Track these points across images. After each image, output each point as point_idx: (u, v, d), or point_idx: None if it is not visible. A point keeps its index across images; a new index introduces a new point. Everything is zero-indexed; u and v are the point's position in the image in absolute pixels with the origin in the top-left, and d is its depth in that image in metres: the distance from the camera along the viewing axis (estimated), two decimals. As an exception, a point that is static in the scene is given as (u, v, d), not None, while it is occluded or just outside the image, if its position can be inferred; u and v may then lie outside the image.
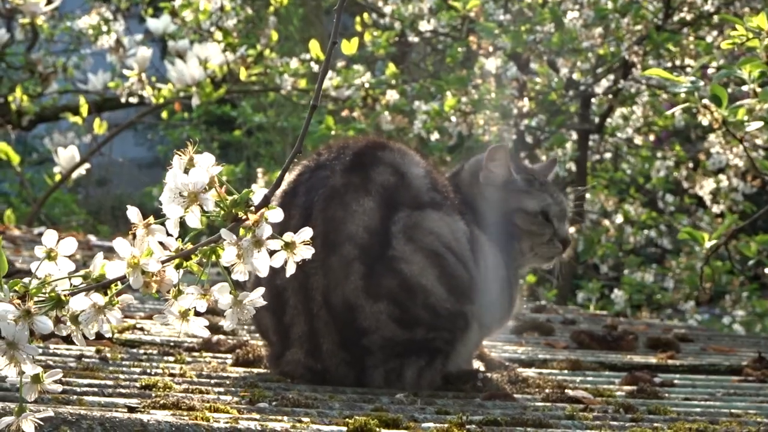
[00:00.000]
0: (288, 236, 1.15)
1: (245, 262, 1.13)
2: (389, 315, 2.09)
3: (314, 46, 5.69)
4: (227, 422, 1.54)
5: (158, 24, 6.26)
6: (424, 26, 6.11)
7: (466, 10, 5.86)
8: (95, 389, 1.82)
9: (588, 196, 6.50)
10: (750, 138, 4.86)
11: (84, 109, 6.10)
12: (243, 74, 5.72)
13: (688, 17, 5.45)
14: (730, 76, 2.33)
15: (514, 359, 2.68)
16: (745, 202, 6.13)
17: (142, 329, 2.70)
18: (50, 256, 1.13)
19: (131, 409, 1.63)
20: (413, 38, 6.31)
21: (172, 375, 2.09)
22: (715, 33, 5.46)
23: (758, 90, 2.28)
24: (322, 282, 2.10)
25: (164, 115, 7.09)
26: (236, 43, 5.67)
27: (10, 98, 6.37)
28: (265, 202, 1.14)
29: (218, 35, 5.63)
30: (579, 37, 5.48)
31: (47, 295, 1.11)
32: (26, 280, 1.11)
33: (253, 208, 1.13)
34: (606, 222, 6.77)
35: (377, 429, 1.61)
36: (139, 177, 11.58)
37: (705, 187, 6.15)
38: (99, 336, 1.14)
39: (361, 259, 2.09)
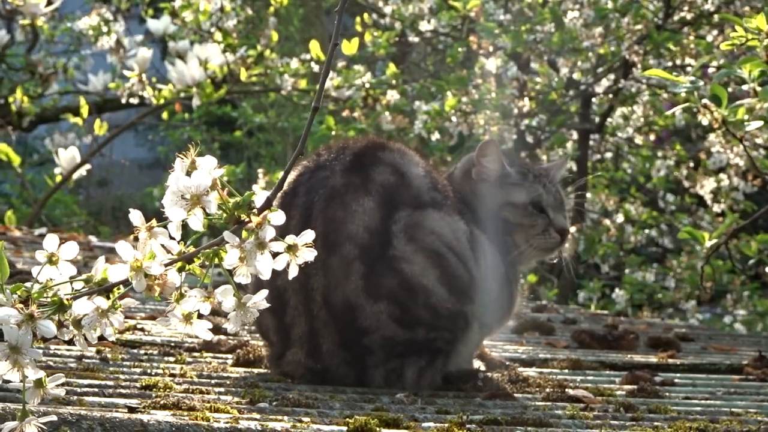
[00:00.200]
0: (290, 239, 1.15)
1: (248, 264, 1.13)
2: (390, 315, 2.09)
3: (314, 46, 5.69)
4: (227, 422, 1.54)
5: (158, 25, 6.25)
6: (425, 26, 6.11)
7: (467, 10, 5.86)
8: (95, 389, 1.82)
9: (589, 195, 6.50)
10: (750, 137, 4.86)
11: (84, 110, 6.10)
12: (243, 75, 5.72)
13: (689, 16, 5.45)
14: (730, 75, 2.33)
15: (515, 359, 2.68)
16: (745, 202, 6.13)
17: (142, 330, 2.70)
18: (51, 260, 1.13)
19: (131, 410, 1.63)
20: (413, 38, 6.31)
21: (172, 375, 2.09)
22: (715, 32, 5.46)
23: (758, 89, 2.28)
24: (322, 282, 2.10)
25: (165, 115, 7.09)
26: (236, 44, 5.67)
27: (11, 99, 6.37)
28: (268, 205, 1.14)
29: (218, 36, 5.62)
30: (579, 36, 5.48)
31: (50, 299, 1.11)
32: (28, 284, 1.12)
33: (255, 211, 1.14)
34: (607, 221, 6.76)
35: (377, 429, 1.61)
36: (140, 178, 11.59)
37: (706, 187, 6.14)
38: (101, 338, 1.15)
39: (361, 259, 2.09)
